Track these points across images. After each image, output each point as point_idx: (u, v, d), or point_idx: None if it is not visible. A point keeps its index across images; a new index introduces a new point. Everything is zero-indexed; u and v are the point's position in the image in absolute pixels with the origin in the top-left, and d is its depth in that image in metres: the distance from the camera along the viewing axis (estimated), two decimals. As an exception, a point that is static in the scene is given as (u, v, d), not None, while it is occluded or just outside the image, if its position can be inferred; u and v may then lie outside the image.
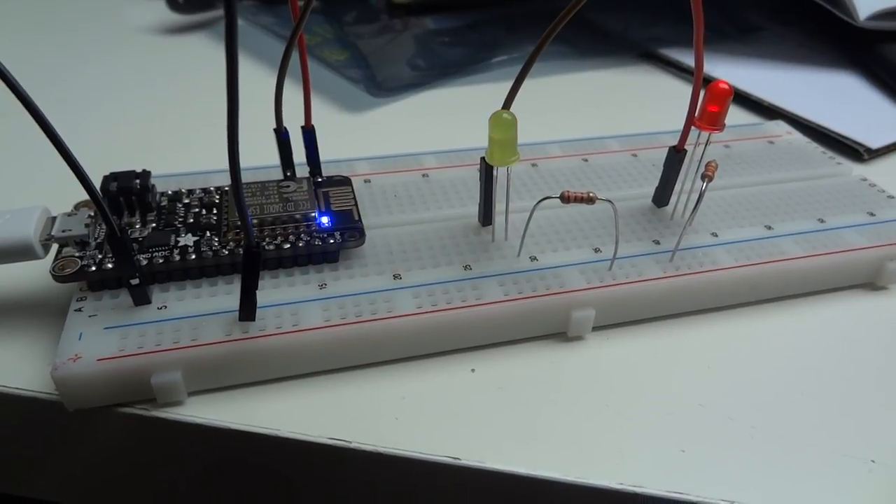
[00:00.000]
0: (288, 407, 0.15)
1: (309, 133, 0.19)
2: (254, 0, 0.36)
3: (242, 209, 0.14)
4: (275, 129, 0.19)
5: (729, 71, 0.33)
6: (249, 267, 0.14)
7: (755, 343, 0.18)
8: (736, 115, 0.30)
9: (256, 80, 0.30)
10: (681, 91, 0.32)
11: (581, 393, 0.16)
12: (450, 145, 0.26)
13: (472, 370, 0.17)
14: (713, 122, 0.18)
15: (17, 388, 0.15)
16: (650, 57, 0.35)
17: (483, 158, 0.18)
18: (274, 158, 0.20)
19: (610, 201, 0.16)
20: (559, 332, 0.18)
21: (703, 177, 0.17)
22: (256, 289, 0.15)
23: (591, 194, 0.16)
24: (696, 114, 0.18)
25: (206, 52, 0.34)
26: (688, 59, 0.33)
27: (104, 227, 0.17)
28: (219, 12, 0.36)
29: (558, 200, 0.17)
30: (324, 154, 0.20)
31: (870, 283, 0.20)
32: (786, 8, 0.38)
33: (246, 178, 0.21)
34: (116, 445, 0.16)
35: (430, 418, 0.15)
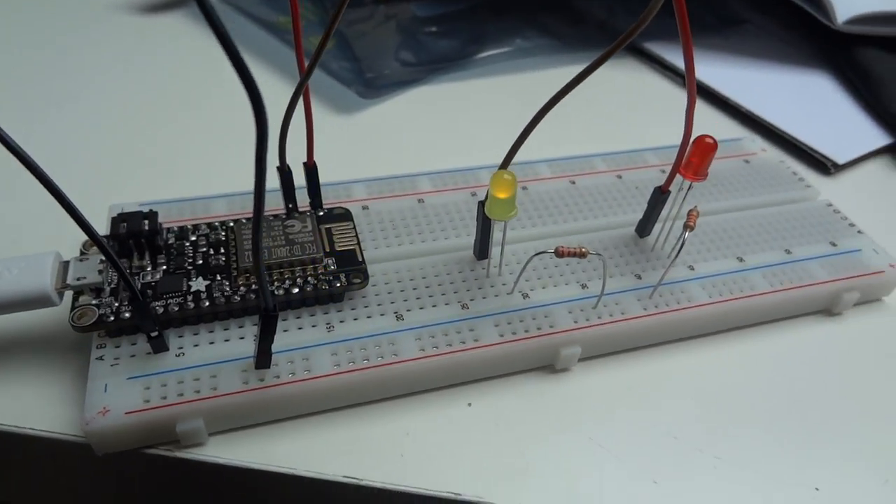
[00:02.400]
0: (302, 445, 0.17)
1: (311, 170, 0.20)
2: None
3: (262, 280, 0.14)
4: (278, 167, 0.19)
5: (709, 70, 0.33)
6: (267, 328, 0.15)
7: (721, 372, 0.20)
8: (713, 118, 0.31)
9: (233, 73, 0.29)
10: (665, 91, 0.33)
11: (567, 426, 0.18)
12: (443, 149, 0.26)
13: (469, 404, 0.18)
14: (697, 171, 0.19)
15: (46, 431, 0.16)
16: (635, 51, 0.35)
17: (482, 203, 0.19)
18: (269, 182, 0.21)
19: (599, 254, 0.18)
20: (547, 365, 0.19)
21: (685, 227, 0.19)
22: (272, 344, 0.16)
23: (583, 249, 0.17)
24: (683, 163, 0.19)
25: (187, 34, 0.33)
26: (672, 57, 0.34)
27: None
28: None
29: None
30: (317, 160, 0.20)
31: (826, 309, 0.22)
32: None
33: (244, 204, 0.22)
34: (141, 481, 0.17)
35: (432, 454, 0.17)
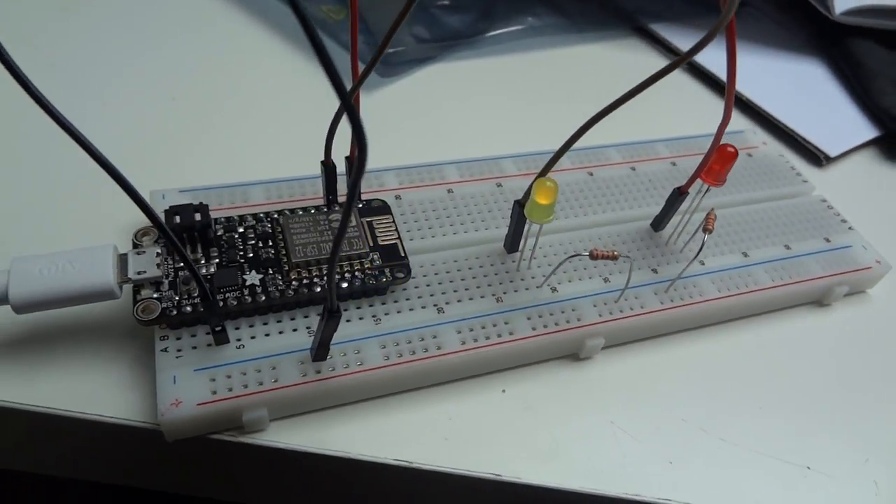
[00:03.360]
0: (354, 430, 0.18)
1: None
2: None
3: (332, 287, 0.15)
4: (322, 162, 0.20)
5: (711, 56, 0.34)
6: (330, 326, 0.16)
7: (723, 360, 0.22)
8: (710, 102, 0.33)
9: (271, 53, 0.29)
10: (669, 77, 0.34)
11: (591, 410, 0.20)
12: (462, 129, 0.27)
13: (503, 391, 0.20)
14: (717, 178, 0.20)
15: (115, 418, 0.17)
16: (642, 32, 0.36)
17: (518, 203, 0.20)
18: (304, 168, 0.22)
19: (628, 257, 0.19)
20: (572, 353, 0.21)
21: (704, 230, 0.20)
22: (331, 339, 0.17)
23: (615, 253, 0.19)
24: (705, 169, 0.20)
25: (220, 15, 0.32)
26: (676, 40, 0.35)
27: (173, 263, 0.18)
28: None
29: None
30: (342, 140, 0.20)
31: (818, 301, 0.24)
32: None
33: (281, 192, 0.22)
34: (205, 462, 0.18)
35: (473, 437, 0.19)
